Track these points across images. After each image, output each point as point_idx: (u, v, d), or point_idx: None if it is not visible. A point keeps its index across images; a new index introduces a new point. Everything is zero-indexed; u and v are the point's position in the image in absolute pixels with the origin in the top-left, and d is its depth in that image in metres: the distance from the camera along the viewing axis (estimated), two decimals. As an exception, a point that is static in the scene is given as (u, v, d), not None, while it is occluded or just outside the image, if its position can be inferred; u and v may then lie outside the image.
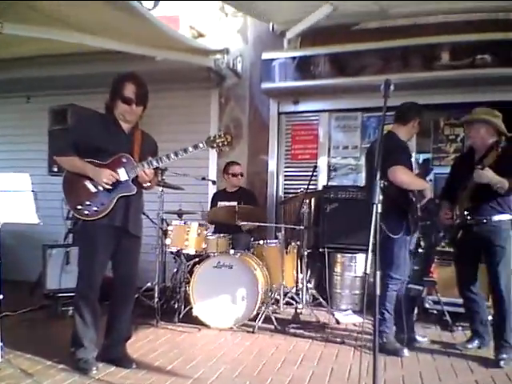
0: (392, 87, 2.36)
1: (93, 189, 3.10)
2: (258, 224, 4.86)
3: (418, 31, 5.15)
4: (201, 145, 3.24)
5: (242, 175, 5.42)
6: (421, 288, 4.52)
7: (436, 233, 4.73)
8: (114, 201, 3.10)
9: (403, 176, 3.51)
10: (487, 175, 3.34)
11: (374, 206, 1.99)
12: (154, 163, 3.16)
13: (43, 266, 4.71)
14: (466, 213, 3.57)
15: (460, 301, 3.98)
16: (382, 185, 2.12)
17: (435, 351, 3.73)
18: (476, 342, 3.73)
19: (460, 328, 4.31)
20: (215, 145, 3.29)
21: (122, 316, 3.32)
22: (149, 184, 3.27)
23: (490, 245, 3.50)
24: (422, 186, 3.73)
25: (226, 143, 3.31)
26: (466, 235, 3.63)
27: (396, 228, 3.53)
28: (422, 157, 5.54)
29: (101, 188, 3.09)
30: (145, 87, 3.17)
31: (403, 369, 3.35)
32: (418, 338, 3.93)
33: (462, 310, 4.12)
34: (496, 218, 3.49)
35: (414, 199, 3.63)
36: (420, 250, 4.78)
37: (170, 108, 6.20)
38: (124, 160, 3.13)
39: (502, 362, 3.35)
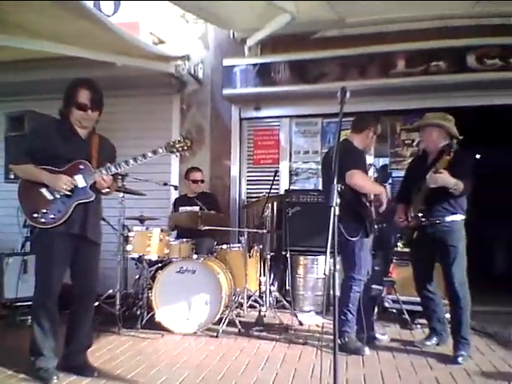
0: (348, 94, 2.43)
1: (49, 196, 3.04)
2: (220, 228, 4.87)
3: (375, 40, 5.31)
4: (160, 150, 3.22)
5: (202, 181, 5.44)
6: (381, 288, 4.66)
7: (394, 234, 4.89)
8: (72, 208, 3.05)
9: (360, 180, 3.62)
10: (443, 178, 3.42)
11: (332, 208, 2.04)
12: (113, 169, 3.12)
13: (0, 275, 4.58)
14: (420, 215, 3.65)
15: (418, 299, 4.10)
16: (339, 189, 2.18)
17: (395, 349, 3.83)
18: (434, 339, 3.86)
19: (419, 326, 4.45)
20: (175, 150, 3.29)
21: (82, 324, 3.27)
22: (107, 190, 3.23)
23: (443, 245, 3.61)
24: (376, 190, 3.82)
25: (185, 148, 3.31)
26: (421, 236, 3.71)
27: (354, 230, 3.63)
28: (380, 161, 5.72)
29: (57, 195, 3.03)
30: (99, 92, 3.14)
31: (364, 367, 3.42)
32: (379, 336, 4.03)
33: (420, 308, 4.26)
34: (449, 218, 3.59)
35: (367, 203, 3.74)
36: (379, 252, 4.93)
37: (130, 114, 6.18)
38: (81, 166, 3.08)
39: (459, 359, 3.46)
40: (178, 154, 3.34)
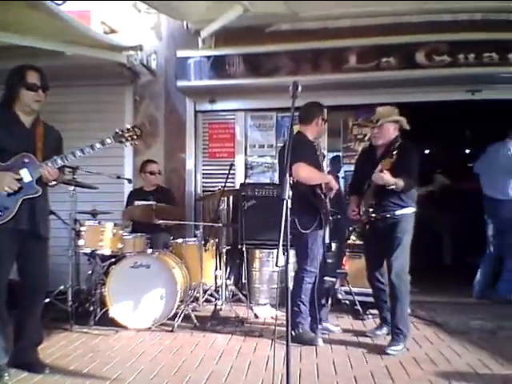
0: (300, 88, 2.44)
1: None
2: (176, 222, 4.83)
3: (328, 34, 5.38)
4: (108, 140, 3.13)
5: (159, 173, 5.39)
6: (334, 280, 4.75)
7: (347, 227, 4.99)
8: (19, 203, 2.95)
9: (304, 172, 3.61)
10: (383, 178, 3.53)
11: (284, 201, 2.06)
12: (59, 162, 3.02)
13: None
14: (370, 210, 3.73)
15: (370, 291, 4.21)
16: (291, 181, 2.20)
17: (347, 339, 3.93)
18: (385, 328, 3.97)
19: (370, 316, 4.58)
20: (124, 139, 3.20)
21: (31, 320, 3.19)
22: (54, 182, 3.11)
23: (388, 236, 3.69)
24: (324, 179, 3.85)
25: (135, 137, 3.23)
26: (372, 230, 3.83)
27: (307, 223, 3.69)
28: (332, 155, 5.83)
29: (4, 192, 2.92)
30: (44, 73, 3.09)
31: (317, 358, 3.50)
32: (331, 327, 4.13)
33: (371, 299, 4.37)
34: (399, 212, 3.66)
35: (322, 195, 3.80)
36: (333, 244, 5.03)
37: (81, 105, 6.05)
38: (26, 160, 2.97)
39: (389, 350, 3.54)
40: (127, 143, 3.25)
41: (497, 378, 3.06)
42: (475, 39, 5.04)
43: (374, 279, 3.97)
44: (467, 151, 10.00)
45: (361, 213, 3.86)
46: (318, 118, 3.94)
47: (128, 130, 3.22)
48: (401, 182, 3.54)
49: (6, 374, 2.96)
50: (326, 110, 4.01)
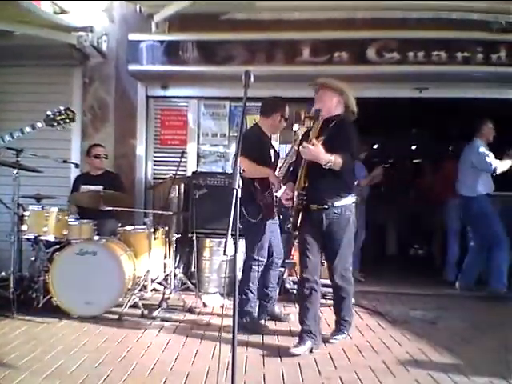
0: (252, 78, 2.46)
1: None
2: (124, 209, 4.74)
3: (283, 26, 5.41)
4: (39, 124, 3.04)
5: (106, 157, 5.25)
6: (282, 269, 4.82)
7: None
8: None
9: (243, 165, 3.35)
10: (313, 152, 3.09)
11: (234, 191, 2.08)
12: None
13: None
14: (303, 193, 3.29)
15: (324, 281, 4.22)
16: (241, 171, 2.23)
17: (293, 328, 3.99)
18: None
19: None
20: (56, 123, 3.12)
21: None
22: None
23: (327, 234, 3.38)
24: (262, 173, 3.81)
25: (68, 120, 3.15)
26: (307, 221, 3.36)
27: (253, 213, 3.72)
28: (286, 148, 5.85)
29: None
30: None
31: (264, 346, 3.56)
32: (278, 314, 4.19)
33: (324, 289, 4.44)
34: (338, 203, 3.31)
35: (258, 187, 3.81)
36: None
37: (27, 85, 5.85)
38: None
39: (338, 337, 3.64)
40: (59, 127, 3.16)
41: (435, 367, 3.19)
42: (425, 37, 5.20)
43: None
44: (413, 147, 10.37)
45: (294, 198, 3.38)
46: (277, 114, 3.94)
47: (60, 112, 3.12)
48: (338, 159, 3.11)
49: None
50: (287, 108, 4.00)
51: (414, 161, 9.78)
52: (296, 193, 3.34)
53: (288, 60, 5.27)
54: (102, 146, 5.30)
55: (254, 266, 3.83)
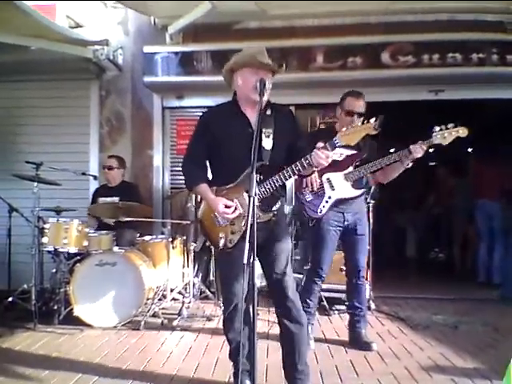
0: (267, 85, 2.48)
1: None
2: (142, 219, 4.77)
3: (295, 33, 5.42)
4: None
5: (118, 168, 5.19)
6: (301, 276, 4.79)
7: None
8: None
9: None
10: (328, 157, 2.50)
11: (251, 198, 2.06)
12: None
13: None
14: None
15: (336, 287, 4.23)
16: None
17: (314, 335, 3.95)
18: None
19: (336, 312, 4.64)
20: None
21: None
22: None
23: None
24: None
25: None
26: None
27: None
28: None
29: None
30: None
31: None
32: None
33: (337, 295, 4.42)
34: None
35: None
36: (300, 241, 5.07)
37: (46, 100, 5.94)
38: None
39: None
40: None
41: (458, 372, 3.14)
42: (439, 40, 5.17)
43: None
44: (431, 150, 10.23)
45: (242, 209, 2.69)
46: None
47: None
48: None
49: None
50: None
51: (431, 164, 9.67)
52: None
53: (302, 67, 5.27)
54: (113, 156, 5.31)
55: (318, 282, 3.67)
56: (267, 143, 2.58)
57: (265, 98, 2.51)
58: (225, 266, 2.74)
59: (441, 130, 3.24)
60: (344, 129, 2.49)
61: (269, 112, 2.65)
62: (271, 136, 2.59)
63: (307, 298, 3.62)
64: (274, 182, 2.55)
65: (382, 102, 5.35)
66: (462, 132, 3.20)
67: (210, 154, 2.71)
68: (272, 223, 2.63)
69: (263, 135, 2.57)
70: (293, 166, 2.51)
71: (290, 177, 2.54)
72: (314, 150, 2.45)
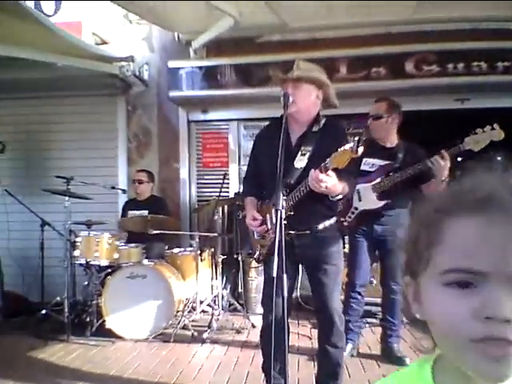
0: (291, 99, 2.51)
1: None
2: (171, 232, 4.84)
3: (318, 45, 5.45)
4: None
5: (148, 182, 5.31)
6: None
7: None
8: None
9: None
10: (329, 184, 2.35)
11: (278, 212, 2.07)
12: None
13: None
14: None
15: (366, 299, 4.08)
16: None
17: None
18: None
19: (367, 325, 4.56)
20: None
21: None
22: None
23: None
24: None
25: None
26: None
27: None
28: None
29: None
30: None
31: (315, 367, 3.50)
32: None
33: (368, 307, 4.34)
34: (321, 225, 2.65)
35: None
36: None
37: (73, 115, 6.06)
38: None
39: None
40: None
41: None
42: (464, 48, 5.14)
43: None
44: (459, 159, 10.10)
45: (269, 224, 2.68)
46: None
47: None
48: (346, 187, 2.50)
49: None
50: None
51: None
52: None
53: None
54: (142, 170, 5.40)
55: (354, 295, 3.62)
56: (300, 162, 2.55)
57: (292, 110, 2.55)
58: (264, 280, 2.77)
59: (475, 133, 3.11)
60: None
61: (315, 128, 2.62)
62: (307, 155, 2.55)
63: (345, 313, 3.34)
64: (292, 200, 2.51)
65: (407, 112, 5.36)
66: (498, 135, 3.01)
67: (260, 171, 2.78)
68: (314, 241, 2.59)
69: (299, 153, 2.56)
70: (300, 186, 2.46)
71: (297, 198, 2.45)
72: (310, 172, 2.35)
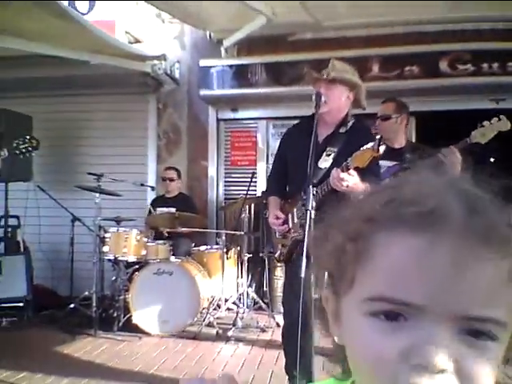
0: (323, 98, 2.47)
1: None
2: (198, 230, 4.86)
3: (350, 43, 5.38)
4: (2, 153, 3.16)
5: (175, 179, 5.35)
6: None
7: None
8: None
9: None
10: (352, 183, 2.30)
11: (308, 212, 2.06)
12: None
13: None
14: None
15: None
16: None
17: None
18: None
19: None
20: (18, 151, 3.22)
21: None
22: None
23: None
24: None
25: (30, 148, 3.24)
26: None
27: None
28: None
29: None
30: None
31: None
32: None
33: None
34: None
35: None
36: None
37: (105, 113, 6.16)
38: None
39: None
40: (22, 155, 3.26)
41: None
42: (499, 48, 4.99)
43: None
44: (492, 160, 9.86)
45: (291, 224, 2.64)
46: None
47: (24, 141, 3.23)
48: (369, 188, 2.45)
49: None
50: None
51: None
52: (296, 219, 2.60)
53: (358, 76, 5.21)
54: (171, 168, 5.43)
55: None
56: (325, 162, 2.54)
57: (324, 110, 2.52)
58: (285, 279, 2.76)
59: (482, 126, 3.01)
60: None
61: (343, 130, 2.61)
62: (332, 155, 2.54)
63: None
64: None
65: (440, 112, 5.25)
66: (504, 125, 2.92)
67: (285, 170, 2.78)
68: None
69: (324, 153, 2.55)
70: (322, 185, 2.42)
71: (320, 197, 2.36)
72: (332, 171, 2.34)
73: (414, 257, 0.46)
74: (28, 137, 3.24)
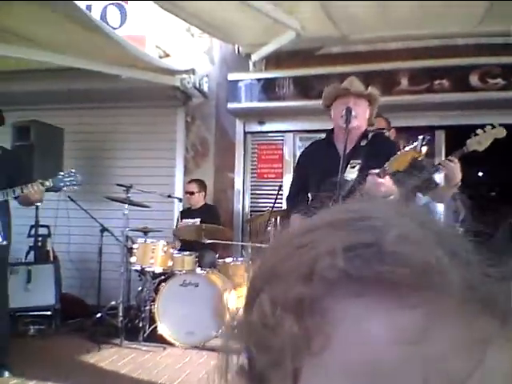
0: (353, 113, 2.47)
1: None
2: (224, 242, 4.88)
3: (378, 57, 5.36)
4: (47, 183, 3.23)
5: (199, 192, 5.35)
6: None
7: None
8: None
9: None
10: (387, 187, 2.37)
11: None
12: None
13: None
14: None
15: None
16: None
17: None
18: None
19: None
20: (62, 184, 3.30)
21: None
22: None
23: None
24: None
25: (74, 183, 3.33)
26: None
27: None
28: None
29: None
30: None
31: None
32: None
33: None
34: None
35: None
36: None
37: (135, 126, 6.25)
38: None
39: None
40: (64, 188, 3.33)
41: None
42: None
43: None
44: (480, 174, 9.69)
45: None
46: None
47: (70, 174, 3.30)
48: (396, 189, 2.50)
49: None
50: None
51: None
52: None
53: (386, 90, 5.17)
54: (195, 181, 5.44)
55: None
56: (351, 174, 2.54)
57: (353, 125, 2.52)
58: None
59: (476, 135, 2.97)
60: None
61: (363, 143, 2.63)
62: (357, 167, 2.54)
63: None
64: None
65: (470, 126, 5.15)
66: (500, 132, 2.90)
67: (306, 187, 2.79)
68: None
69: (349, 166, 2.55)
70: (352, 196, 2.41)
71: None
72: (368, 177, 2.36)
73: (402, 344, 0.29)
74: (73, 171, 3.35)
